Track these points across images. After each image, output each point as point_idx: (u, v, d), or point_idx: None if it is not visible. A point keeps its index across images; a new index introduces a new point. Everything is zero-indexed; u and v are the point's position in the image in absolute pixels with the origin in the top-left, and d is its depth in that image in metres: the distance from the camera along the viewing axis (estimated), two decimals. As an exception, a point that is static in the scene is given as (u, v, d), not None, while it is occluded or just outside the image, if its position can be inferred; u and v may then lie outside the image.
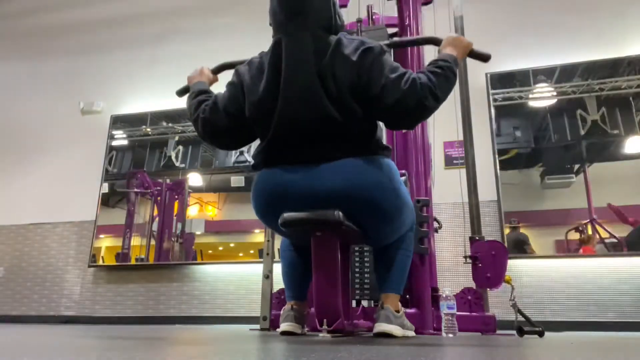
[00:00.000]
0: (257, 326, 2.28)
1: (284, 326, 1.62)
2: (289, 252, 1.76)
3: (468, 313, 2.05)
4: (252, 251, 3.83)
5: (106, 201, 4.22)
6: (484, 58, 1.64)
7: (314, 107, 1.43)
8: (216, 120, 1.57)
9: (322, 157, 1.45)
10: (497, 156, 3.48)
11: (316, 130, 1.44)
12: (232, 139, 1.63)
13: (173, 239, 3.96)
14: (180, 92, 1.86)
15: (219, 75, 1.87)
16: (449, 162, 3.60)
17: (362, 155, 1.45)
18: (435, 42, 1.67)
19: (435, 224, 2.35)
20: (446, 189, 3.07)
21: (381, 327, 1.51)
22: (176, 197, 4.08)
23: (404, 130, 2.39)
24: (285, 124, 1.46)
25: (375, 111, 1.45)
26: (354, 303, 2.14)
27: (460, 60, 1.56)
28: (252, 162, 1.58)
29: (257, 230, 3.81)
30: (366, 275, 2.11)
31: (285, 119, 1.46)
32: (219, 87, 1.68)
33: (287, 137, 1.47)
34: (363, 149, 1.46)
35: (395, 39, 2.38)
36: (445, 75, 1.44)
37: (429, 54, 2.61)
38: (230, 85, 1.61)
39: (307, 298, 1.74)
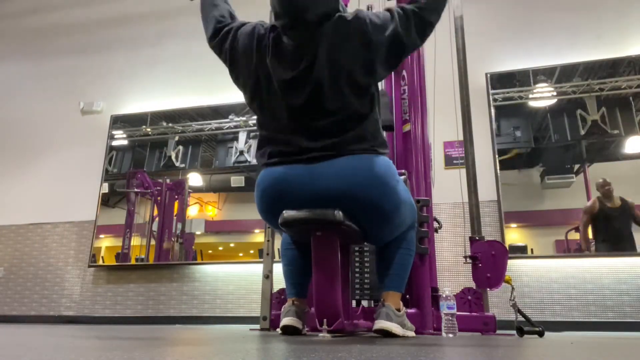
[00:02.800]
0: (257, 326, 2.28)
1: (285, 321, 1.62)
2: (289, 249, 1.77)
3: (468, 313, 2.05)
4: (252, 251, 3.83)
5: (106, 201, 4.22)
6: None
7: (314, 109, 1.45)
8: (225, 42, 1.69)
9: (322, 155, 1.45)
10: (497, 156, 3.47)
11: (316, 128, 1.46)
12: (223, 55, 1.73)
13: (173, 239, 3.96)
14: None
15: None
16: (449, 162, 3.60)
17: (360, 152, 1.46)
18: None
19: (435, 224, 2.35)
20: (446, 189, 3.07)
21: (381, 324, 1.51)
22: (176, 197, 4.08)
23: (404, 130, 2.39)
24: (286, 120, 1.48)
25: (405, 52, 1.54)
26: (354, 303, 2.14)
27: None
28: (256, 159, 1.62)
29: (257, 230, 3.81)
30: (366, 275, 2.11)
31: (286, 113, 1.48)
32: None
33: (286, 133, 1.49)
34: (362, 147, 1.47)
35: None
36: None
37: (429, 56, 2.61)
38: (249, 32, 1.64)
39: (307, 295, 1.74)
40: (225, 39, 1.67)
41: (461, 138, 2.42)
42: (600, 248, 3.17)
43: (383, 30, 1.48)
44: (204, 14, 1.80)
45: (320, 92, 1.46)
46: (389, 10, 1.54)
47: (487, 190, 3.30)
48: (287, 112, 1.49)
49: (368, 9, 2.66)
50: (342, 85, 1.46)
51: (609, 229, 3.21)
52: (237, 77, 1.65)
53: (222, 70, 1.71)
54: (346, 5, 2.76)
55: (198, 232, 3.97)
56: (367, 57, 1.48)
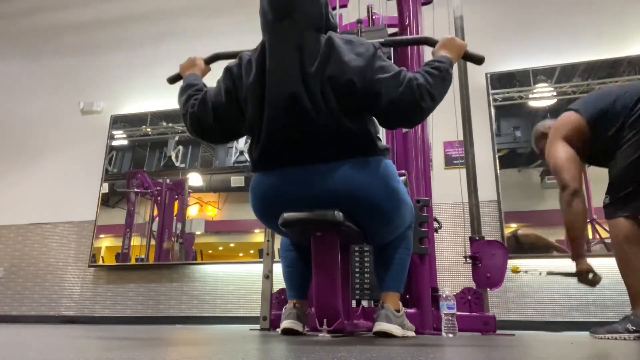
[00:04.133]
0: (257, 326, 2.28)
1: (285, 323, 1.62)
2: (289, 251, 1.76)
3: (468, 313, 2.05)
4: (252, 251, 3.83)
5: (106, 201, 4.22)
6: (478, 60, 1.63)
7: (303, 111, 1.40)
8: (204, 117, 1.56)
9: (318, 159, 1.43)
10: (497, 156, 3.47)
11: (309, 133, 1.42)
12: (219, 135, 1.62)
13: (173, 239, 3.96)
14: (172, 80, 1.88)
15: (213, 65, 1.88)
16: (449, 162, 3.60)
17: (359, 156, 1.44)
18: (431, 42, 1.66)
19: (435, 224, 2.35)
20: (446, 189, 3.07)
21: (381, 326, 1.51)
22: (176, 197, 4.08)
23: (403, 130, 2.39)
24: (277, 128, 1.44)
25: (372, 111, 1.44)
26: (354, 303, 2.14)
27: (455, 62, 1.54)
28: (249, 162, 1.58)
29: (257, 230, 3.81)
30: (366, 275, 2.11)
31: (276, 122, 1.44)
32: (212, 78, 1.69)
33: (280, 139, 1.44)
34: (360, 150, 1.45)
35: (390, 38, 2.37)
36: (442, 77, 1.43)
37: (429, 56, 2.61)
38: (220, 82, 1.59)
39: (308, 297, 1.74)
40: (205, 109, 1.55)
41: (461, 138, 2.42)
42: None
43: (370, 73, 1.39)
44: (180, 103, 1.67)
45: (318, 97, 1.40)
46: (401, 70, 1.41)
47: (487, 190, 3.30)
48: (287, 120, 1.42)
49: (368, 10, 2.66)
50: (340, 92, 1.40)
51: None
52: (232, 122, 1.56)
53: (221, 70, 1.70)
54: (346, 6, 2.77)
55: (198, 232, 3.97)
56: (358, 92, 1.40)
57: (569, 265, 3.19)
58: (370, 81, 1.39)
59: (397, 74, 1.39)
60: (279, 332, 1.65)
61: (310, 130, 1.41)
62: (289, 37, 1.46)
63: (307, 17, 1.47)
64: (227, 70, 1.58)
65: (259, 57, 1.49)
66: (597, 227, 3.20)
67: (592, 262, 3.13)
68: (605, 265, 3.13)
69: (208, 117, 1.56)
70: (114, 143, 4.40)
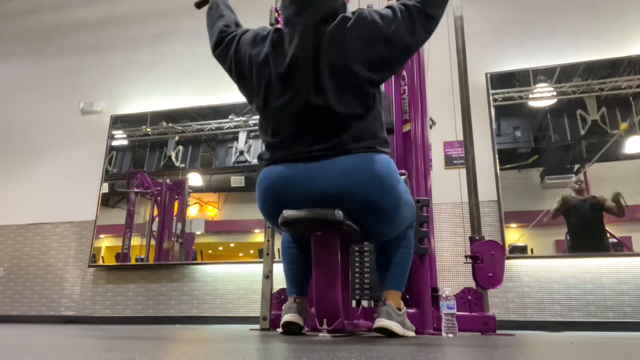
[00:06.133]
0: (257, 326, 2.28)
1: (287, 317, 1.62)
2: (290, 248, 1.77)
3: (468, 313, 2.05)
4: (252, 251, 3.83)
5: (106, 201, 4.22)
6: None
7: (311, 107, 1.45)
8: (223, 63, 1.73)
9: (323, 154, 1.45)
10: (497, 156, 3.47)
11: (319, 129, 1.46)
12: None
13: (173, 239, 3.96)
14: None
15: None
16: (449, 162, 3.60)
17: (361, 151, 1.46)
18: None
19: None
20: (446, 189, 3.07)
21: (381, 322, 1.51)
22: (176, 197, 4.08)
23: (403, 130, 2.39)
24: (284, 123, 1.48)
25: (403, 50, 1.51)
26: (354, 303, 2.14)
27: None
28: (257, 160, 1.62)
29: (257, 230, 3.81)
30: (366, 275, 2.11)
31: (284, 117, 1.48)
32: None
33: (289, 132, 1.49)
34: (362, 145, 1.47)
35: None
36: None
37: (429, 56, 2.62)
38: (242, 42, 1.64)
39: (308, 294, 1.74)
40: (229, 47, 1.66)
41: (461, 138, 2.42)
42: (574, 248, 3.19)
43: (386, 28, 1.47)
44: (210, 23, 1.79)
45: (323, 92, 1.45)
46: (390, 7, 1.51)
47: (487, 190, 3.30)
48: (292, 115, 1.48)
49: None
50: (344, 85, 1.46)
51: (579, 223, 3.24)
52: (242, 84, 1.64)
53: (222, 70, 1.71)
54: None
55: (198, 232, 3.97)
56: (370, 57, 1.47)
57: (567, 265, 3.21)
58: (389, 40, 1.47)
59: (399, 14, 1.48)
60: (279, 332, 1.65)
61: (321, 124, 1.46)
62: (308, 29, 1.49)
63: (326, 9, 1.51)
64: (257, 36, 1.62)
65: (277, 49, 1.53)
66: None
67: (593, 262, 3.16)
68: (605, 265, 3.14)
69: (225, 66, 1.70)
70: (114, 143, 4.40)
